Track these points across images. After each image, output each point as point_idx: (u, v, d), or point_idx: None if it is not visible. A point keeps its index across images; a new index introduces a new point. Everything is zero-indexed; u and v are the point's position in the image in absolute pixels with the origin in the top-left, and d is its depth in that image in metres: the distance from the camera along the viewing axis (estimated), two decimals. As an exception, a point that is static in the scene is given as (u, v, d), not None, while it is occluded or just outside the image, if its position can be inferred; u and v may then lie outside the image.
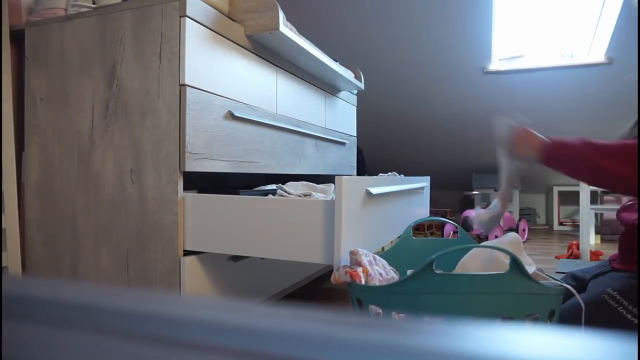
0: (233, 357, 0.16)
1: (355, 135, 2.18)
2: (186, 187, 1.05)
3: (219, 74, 1.14)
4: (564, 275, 1.07)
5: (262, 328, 0.17)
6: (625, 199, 1.10)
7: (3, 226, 1.12)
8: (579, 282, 1.02)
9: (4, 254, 1.12)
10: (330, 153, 1.86)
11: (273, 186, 1.30)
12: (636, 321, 0.81)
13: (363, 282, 0.76)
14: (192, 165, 1.03)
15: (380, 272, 0.83)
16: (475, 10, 2.53)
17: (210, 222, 1.03)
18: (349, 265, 0.82)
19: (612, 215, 2.90)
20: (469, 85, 3.03)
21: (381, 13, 2.65)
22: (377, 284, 0.79)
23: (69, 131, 1.15)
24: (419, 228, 3.12)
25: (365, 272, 0.78)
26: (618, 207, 1.11)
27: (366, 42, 2.87)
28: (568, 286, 0.75)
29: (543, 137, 0.93)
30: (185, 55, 1.02)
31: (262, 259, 1.22)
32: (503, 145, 1.00)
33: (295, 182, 1.29)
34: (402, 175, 1.55)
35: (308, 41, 1.44)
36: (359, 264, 0.80)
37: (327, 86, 1.84)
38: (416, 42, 2.77)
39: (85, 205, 1.12)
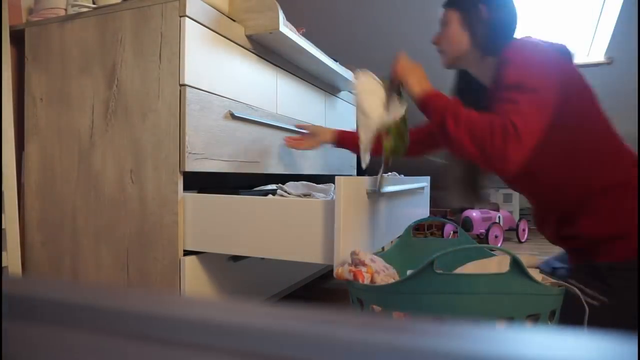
0: (233, 357, 0.16)
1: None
2: (186, 187, 1.05)
3: (219, 74, 1.14)
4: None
5: (262, 328, 0.17)
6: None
7: (3, 226, 1.12)
8: (547, 276, 1.04)
9: (4, 254, 1.12)
10: (330, 153, 1.86)
11: (273, 186, 1.30)
12: (595, 303, 0.85)
13: (367, 282, 0.76)
14: (192, 165, 1.03)
15: (383, 270, 0.83)
16: (475, 10, 2.52)
17: (210, 222, 1.03)
18: (353, 264, 0.82)
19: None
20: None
21: (381, 13, 2.65)
22: (384, 280, 0.78)
23: (69, 131, 1.15)
24: (419, 228, 3.12)
25: (370, 272, 0.78)
26: None
27: (366, 42, 2.87)
28: (573, 287, 0.75)
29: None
30: (185, 55, 1.02)
31: (262, 259, 1.22)
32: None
33: (295, 182, 1.29)
34: (402, 175, 1.55)
35: (308, 41, 1.44)
36: (363, 264, 0.80)
37: (327, 86, 1.84)
38: (416, 42, 2.76)
39: (85, 205, 1.12)
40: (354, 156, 2.19)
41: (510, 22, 0.98)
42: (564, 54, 0.92)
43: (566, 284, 0.75)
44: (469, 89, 1.07)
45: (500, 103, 0.82)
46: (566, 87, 0.87)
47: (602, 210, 0.89)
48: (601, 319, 0.78)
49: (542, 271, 1.06)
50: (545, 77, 0.85)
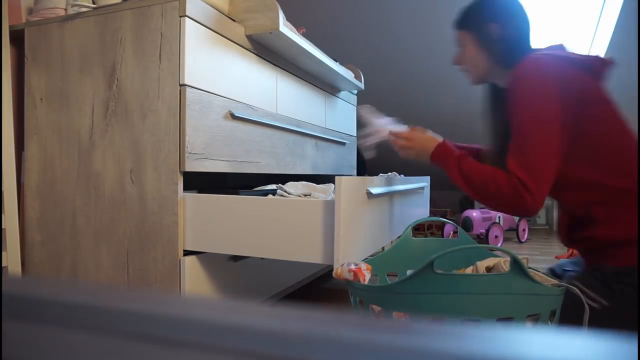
0: (233, 357, 0.16)
1: (355, 135, 2.18)
2: (186, 187, 1.05)
3: (219, 74, 1.14)
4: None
5: (262, 328, 0.17)
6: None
7: (3, 226, 1.12)
8: (557, 278, 1.05)
9: (4, 254, 1.12)
10: (330, 153, 1.86)
11: (273, 186, 1.30)
12: (596, 305, 0.86)
13: (367, 280, 0.76)
14: (192, 165, 1.03)
15: None
16: (475, 10, 2.52)
17: (210, 222, 1.03)
18: (353, 262, 0.81)
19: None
20: (469, 85, 3.02)
21: (381, 13, 2.65)
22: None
23: (69, 131, 1.15)
24: (419, 228, 3.12)
25: (369, 269, 0.78)
26: None
27: (366, 42, 2.87)
28: (573, 287, 0.75)
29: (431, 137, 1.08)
30: (185, 55, 1.02)
31: (262, 259, 1.22)
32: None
33: (295, 182, 1.29)
34: (402, 175, 1.55)
35: (308, 41, 1.44)
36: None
37: (327, 86, 1.84)
38: (416, 42, 2.77)
39: (85, 205, 1.12)
40: (354, 156, 2.19)
41: (525, 33, 1.01)
42: (583, 67, 0.93)
43: (567, 284, 0.75)
44: (499, 99, 1.10)
45: (509, 154, 0.90)
46: (582, 96, 0.90)
47: (616, 214, 0.90)
48: (601, 322, 0.79)
49: (552, 272, 1.08)
50: (550, 92, 0.88)
